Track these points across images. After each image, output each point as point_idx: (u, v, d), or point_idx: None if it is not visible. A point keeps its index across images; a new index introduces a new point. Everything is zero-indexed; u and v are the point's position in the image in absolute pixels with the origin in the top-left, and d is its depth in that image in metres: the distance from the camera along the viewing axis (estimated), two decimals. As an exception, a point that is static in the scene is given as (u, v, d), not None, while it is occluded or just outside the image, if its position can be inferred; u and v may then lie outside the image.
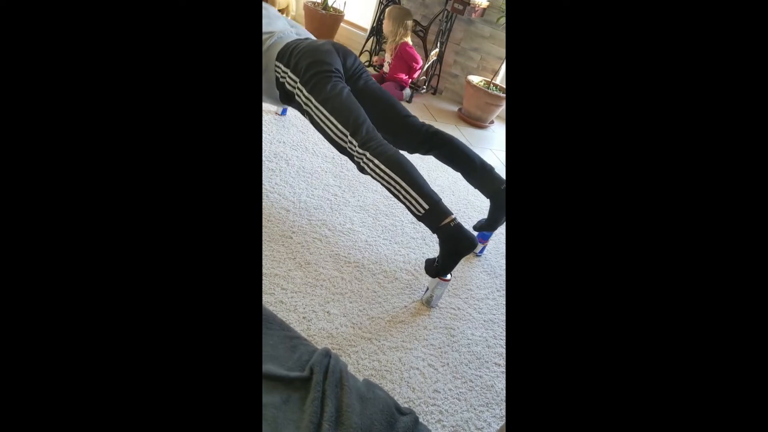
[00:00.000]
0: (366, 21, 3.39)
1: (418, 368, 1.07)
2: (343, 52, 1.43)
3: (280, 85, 1.40)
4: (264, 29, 1.46)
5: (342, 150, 1.31)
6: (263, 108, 2.08)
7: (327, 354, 0.59)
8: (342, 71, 1.38)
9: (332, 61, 1.34)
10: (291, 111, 2.11)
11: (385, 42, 2.92)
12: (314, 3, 3.17)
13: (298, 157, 1.80)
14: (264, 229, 1.37)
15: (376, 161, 1.21)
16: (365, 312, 1.18)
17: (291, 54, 1.35)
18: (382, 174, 1.21)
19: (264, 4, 1.63)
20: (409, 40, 2.75)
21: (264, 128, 1.91)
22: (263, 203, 1.48)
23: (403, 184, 1.19)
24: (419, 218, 1.20)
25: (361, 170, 1.27)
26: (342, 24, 3.28)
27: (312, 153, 1.85)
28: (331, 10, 3.13)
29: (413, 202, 1.19)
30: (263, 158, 1.71)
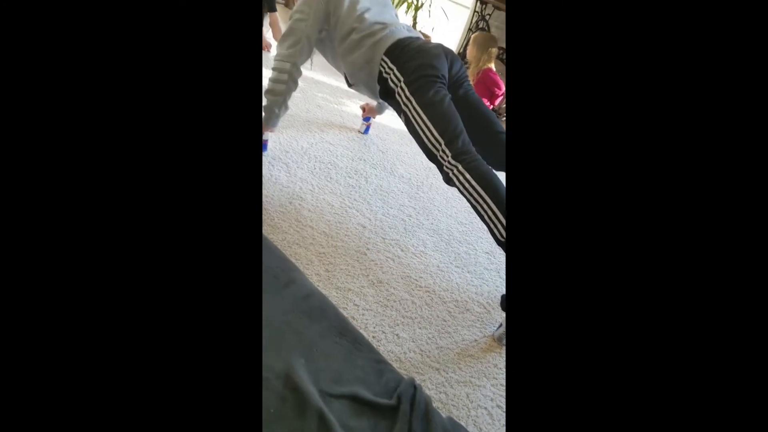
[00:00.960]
0: (451, 44, 3.43)
1: (485, 408, 1.03)
2: (451, 57, 1.41)
3: (383, 80, 1.40)
4: (376, 18, 1.47)
5: (432, 157, 1.28)
6: (345, 125, 2.16)
7: (413, 384, 0.58)
8: (447, 77, 1.36)
9: (440, 66, 1.33)
10: (373, 130, 2.17)
11: (467, 67, 2.92)
12: (402, 27, 3.27)
13: (376, 175, 1.84)
14: (340, 243, 1.40)
15: (467, 175, 1.17)
16: (434, 340, 1.16)
17: (401, 52, 1.35)
18: (470, 189, 1.17)
19: None
20: (492, 66, 2.73)
21: (346, 145, 1.98)
22: (342, 218, 1.52)
23: (492, 204, 1.14)
24: (501, 243, 1.15)
25: (448, 181, 1.24)
26: (427, 48, 3.35)
27: (390, 172, 1.88)
28: (419, 33, 3.21)
29: (498, 225, 1.13)
30: (344, 174, 1.77)
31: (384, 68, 1.39)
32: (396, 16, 1.59)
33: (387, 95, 1.42)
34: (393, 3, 3.36)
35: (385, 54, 1.38)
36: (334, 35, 1.53)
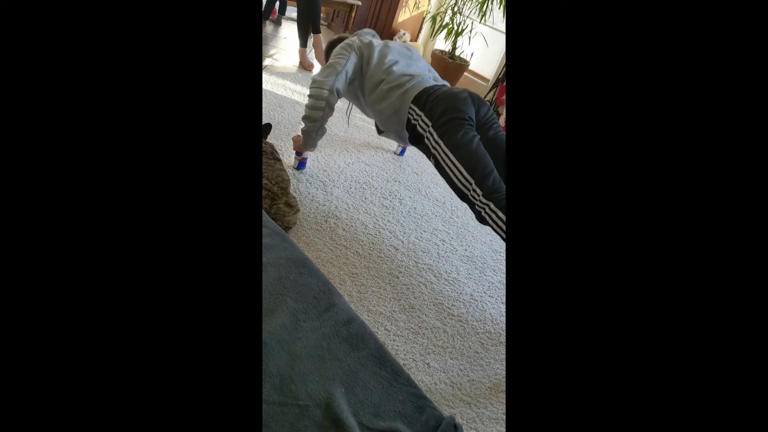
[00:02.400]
0: (488, 72, 3.44)
1: (518, 450, 0.98)
2: (478, 101, 1.45)
3: (411, 127, 1.44)
4: (403, 71, 1.53)
5: (463, 197, 1.29)
6: (382, 146, 2.18)
7: (454, 424, 0.56)
8: (474, 120, 1.39)
9: (466, 109, 1.36)
10: (408, 152, 2.18)
11: (504, 94, 2.92)
12: (442, 51, 3.30)
13: (410, 197, 1.83)
14: (373, 265, 1.39)
15: (500, 213, 1.18)
16: (466, 373, 1.12)
17: (428, 98, 1.40)
18: (504, 228, 1.17)
19: (408, 45, 1.72)
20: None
21: (382, 166, 2.00)
22: (375, 239, 1.52)
23: None
24: None
25: (481, 220, 1.24)
26: (465, 73, 3.37)
27: (424, 195, 1.88)
28: (458, 59, 3.24)
29: None
30: (378, 195, 1.77)
31: (412, 115, 1.43)
32: (423, 67, 1.64)
33: (416, 140, 1.46)
34: (433, 28, 3.41)
35: (413, 102, 1.43)
36: (364, 84, 1.60)
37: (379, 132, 1.74)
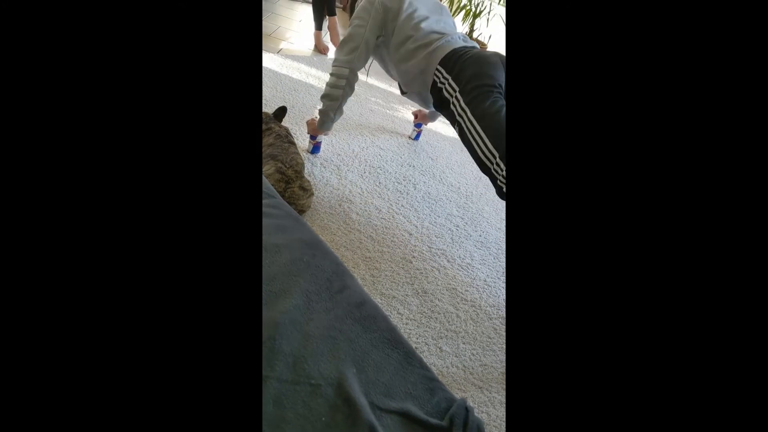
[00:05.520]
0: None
1: (529, 435, 0.98)
2: None
3: (437, 91, 1.38)
4: (433, 27, 1.45)
5: (486, 170, 1.23)
6: (397, 130, 2.16)
7: (465, 407, 0.56)
8: (504, 87, 1.31)
9: (497, 76, 1.28)
10: (423, 137, 2.16)
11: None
12: (459, 34, 3.24)
13: (425, 182, 1.82)
14: (386, 249, 1.39)
15: None
16: (478, 357, 1.12)
17: (456, 61, 1.32)
18: None
19: (440, 3, 1.63)
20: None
21: (396, 150, 1.98)
22: (389, 223, 1.51)
23: None
24: None
25: (502, 196, 1.20)
26: (482, 56, 3.30)
27: (439, 180, 1.86)
28: (475, 42, 3.17)
29: None
30: (392, 179, 1.77)
31: (438, 78, 1.37)
32: (453, 25, 1.57)
33: (441, 106, 1.39)
34: (450, 10, 3.33)
35: (440, 64, 1.36)
36: (389, 43, 1.53)
37: (402, 92, 1.66)
